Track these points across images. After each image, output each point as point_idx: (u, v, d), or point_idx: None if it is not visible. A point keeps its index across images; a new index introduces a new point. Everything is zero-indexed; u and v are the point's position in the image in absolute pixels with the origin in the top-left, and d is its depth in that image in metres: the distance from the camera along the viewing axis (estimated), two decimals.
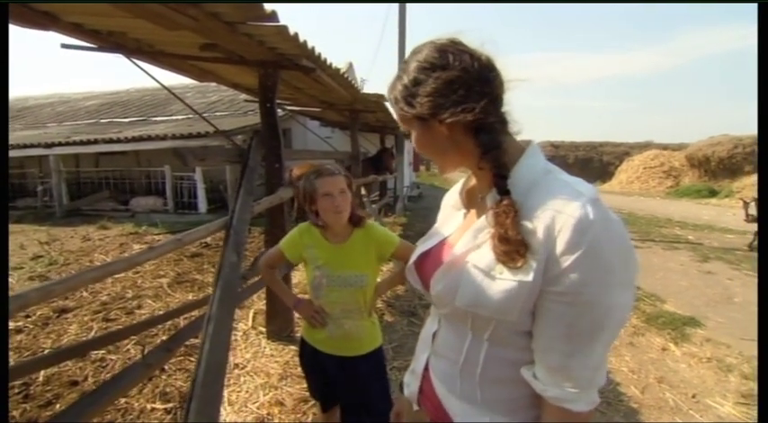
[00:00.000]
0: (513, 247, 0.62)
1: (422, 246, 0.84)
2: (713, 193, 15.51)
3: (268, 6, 1.82)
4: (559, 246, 0.59)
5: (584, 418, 0.64)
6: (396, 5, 10.45)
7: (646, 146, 24.91)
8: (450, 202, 0.88)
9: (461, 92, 0.66)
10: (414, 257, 0.84)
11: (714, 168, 16.74)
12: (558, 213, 0.60)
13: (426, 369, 0.85)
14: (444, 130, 0.69)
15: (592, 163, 25.45)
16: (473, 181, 0.81)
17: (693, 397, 2.48)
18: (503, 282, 0.64)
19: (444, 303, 0.74)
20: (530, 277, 0.61)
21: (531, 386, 0.67)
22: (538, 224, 0.62)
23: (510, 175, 0.67)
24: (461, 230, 0.78)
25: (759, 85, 1.00)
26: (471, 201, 0.81)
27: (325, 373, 1.50)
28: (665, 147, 23.36)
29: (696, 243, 7.02)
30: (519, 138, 0.74)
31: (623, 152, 24.84)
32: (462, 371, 0.74)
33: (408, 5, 10.46)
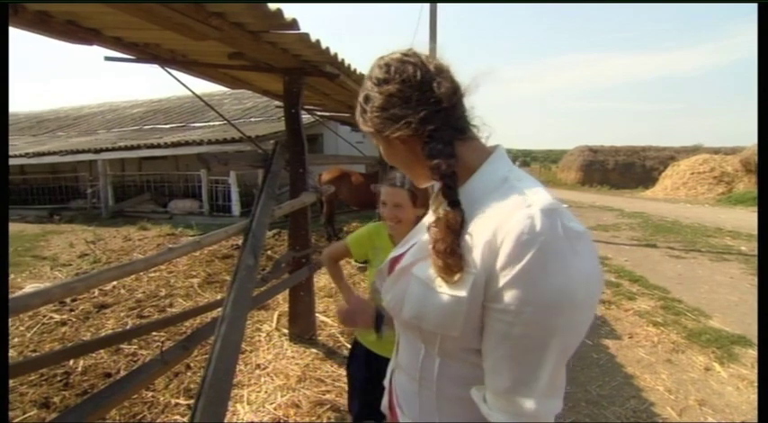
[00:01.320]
0: (446, 260, 0.59)
1: (393, 251, 0.82)
2: None
3: (288, 15, 1.87)
4: (500, 259, 0.55)
5: None
6: (427, 7, 10.44)
7: (694, 150, 23.43)
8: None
9: (400, 105, 0.65)
10: (385, 263, 0.82)
11: None
12: (502, 225, 0.56)
13: (391, 383, 0.84)
14: (399, 143, 0.68)
15: (633, 168, 24.22)
16: None
17: None
18: (441, 295, 0.61)
19: (395, 314, 0.72)
20: (464, 292, 0.58)
21: None
22: (479, 235, 0.58)
23: (466, 184, 0.65)
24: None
25: (759, 86, 0.94)
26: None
27: (373, 374, 1.46)
28: (716, 150, 21.88)
29: (750, 254, 6.49)
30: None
31: (668, 157, 23.48)
32: (421, 388, 0.71)
33: (440, 7, 10.43)
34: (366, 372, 1.50)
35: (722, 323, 3.69)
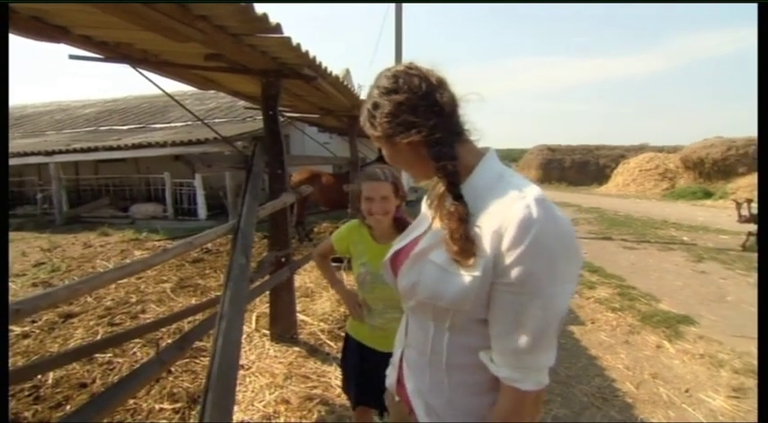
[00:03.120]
0: (461, 246, 0.70)
1: (396, 243, 0.92)
2: (708, 195, 15.67)
3: (273, 19, 1.91)
4: (506, 242, 0.67)
5: (532, 396, 0.71)
6: (392, 11, 10.59)
7: (641, 148, 25.09)
8: (426, 203, 0.97)
9: (410, 113, 0.75)
10: (389, 254, 0.92)
11: (708, 170, 16.92)
12: (505, 214, 0.68)
13: (402, 360, 0.93)
14: (404, 146, 0.78)
15: (588, 166, 25.60)
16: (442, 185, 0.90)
17: (686, 392, 2.55)
18: (457, 276, 0.72)
19: (409, 296, 0.83)
20: (479, 272, 0.69)
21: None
22: (487, 225, 0.70)
23: (467, 181, 0.76)
24: (429, 230, 0.86)
25: (759, 85, 1.03)
26: (440, 203, 0.90)
27: (365, 367, 1.54)
28: (660, 149, 23.54)
29: (691, 244, 7.12)
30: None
31: (619, 155, 25.01)
32: (431, 362, 0.82)
33: (405, 11, 10.61)
34: (359, 363, 1.57)
35: (670, 306, 4.06)
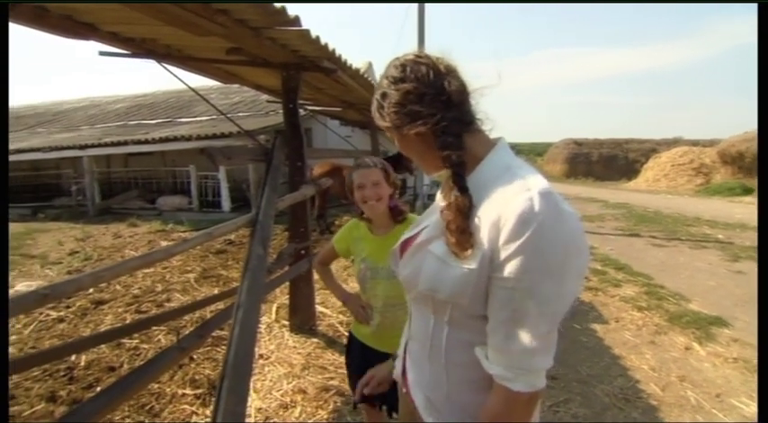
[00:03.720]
0: (457, 237, 0.68)
1: (407, 232, 0.91)
2: (747, 191, 14.86)
3: (291, 11, 1.91)
4: (503, 235, 0.64)
5: (524, 398, 0.67)
6: (414, 5, 10.46)
7: (674, 142, 24.05)
8: (440, 194, 0.95)
9: (416, 102, 0.73)
10: (398, 244, 0.91)
11: (749, 165, 16.02)
12: (506, 206, 0.65)
13: (406, 352, 0.93)
14: (413, 137, 0.76)
15: (617, 160, 24.77)
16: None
17: (717, 396, 2.44)
18: (455, 268, 0.70)
19: (410, 287, 0.81)
20: (474, 265, 0.67)
21: None
22: (486, 217, 0.67)
23: (474, 172, 0.74)
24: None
25: (759, 85, 1.01)
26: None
27: (367, 367, 1.52)
28: (694, 143, 22.50)
29: (726, 242, 6.78)
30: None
31: (650, 149, 24.07)
32: (431, 355, 0.80)
33: (427, 4, 10.46)
34: (362, 362, 1.57)
35: (701, 306, 3.88)
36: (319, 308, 3.54)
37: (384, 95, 0.78)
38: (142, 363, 2.63)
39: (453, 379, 0.78)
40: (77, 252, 5.92)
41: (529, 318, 0.64)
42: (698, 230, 7.86)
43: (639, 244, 6.72)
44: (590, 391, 2.47)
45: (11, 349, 3.03)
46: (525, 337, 0.65)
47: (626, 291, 4.32)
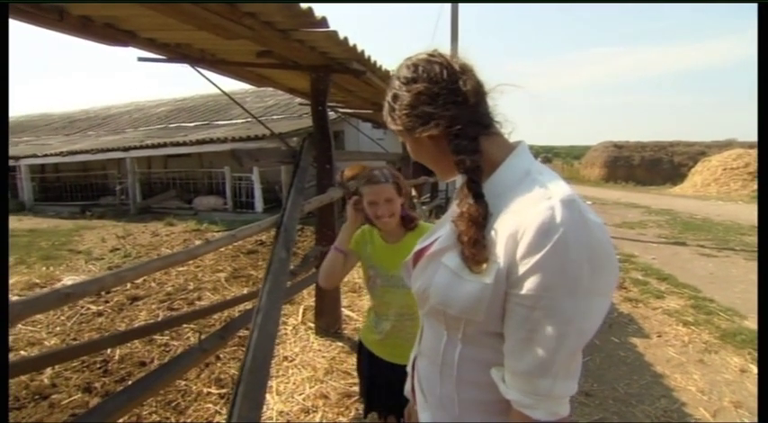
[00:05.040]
0: (470, 250, 0.62)
1: (420, 242, 0.84)
2: None
3: (318, 13, 1.90)
4: (521, 248, 0.58)
5: None
6: (447, 6, 10.35)
7: (726, 145, 22.47)
8: (455, 201, 0.88)
9: (429, 103, 0.68)
10: (410, 255, 0.85)
11: None
12: (524, 216, 0.58)
13: (414, 369, 0.86)
14: (426, 140, 0.71)
15: (660, 164, 23.44)
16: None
17: None
18: (468, 283, 0.64)
19: (422, 301, 0.75)
20: (490, 279, 0.61)
21: None
22: (504, 227, 0.61)
23: (490, 178, 0.67)
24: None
25: (759, 86, 0.94)
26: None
27: (374, 376, 1.51)
28: (750, 145, 20.90)
29: None
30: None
31: (698, 152, 22.61)
32: (442, 373, 0.74)
33: (461, 4, 10.32)
34: (369, 371, 1.54)
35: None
36: (346, 311, 3.52)
37: (395, 97, 0.73)
38: (167, 360, 2.71)
39: (465, 400, 0.72)
40: (118, 249, 6.22)
41: (549, 339, 0.58)
42: (753, 240, 7.27)
43: (685, 253, 6.28)
44: (628, 411, 2.29)
45: (55, 340, 3.19)
46: (544, 360, 0.58)
47: (670, 303, 4.03)
